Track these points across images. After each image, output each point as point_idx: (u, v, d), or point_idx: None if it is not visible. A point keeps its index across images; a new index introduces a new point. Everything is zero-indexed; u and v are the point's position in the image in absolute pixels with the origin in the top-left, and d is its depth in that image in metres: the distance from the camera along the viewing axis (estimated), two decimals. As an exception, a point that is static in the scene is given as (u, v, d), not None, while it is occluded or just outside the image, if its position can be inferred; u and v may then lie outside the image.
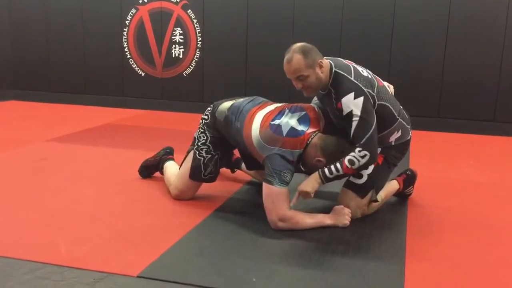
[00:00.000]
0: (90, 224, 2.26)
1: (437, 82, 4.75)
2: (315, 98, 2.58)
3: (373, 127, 2.21)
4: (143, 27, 5.50)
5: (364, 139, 2.18)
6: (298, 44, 2.26)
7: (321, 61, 2.25)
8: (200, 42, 5.37)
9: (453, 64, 4.69)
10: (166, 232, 2.18)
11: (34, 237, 2.10)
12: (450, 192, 2.88)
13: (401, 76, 4.76)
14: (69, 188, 2.76)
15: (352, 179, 2.41)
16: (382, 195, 2.48)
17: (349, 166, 2.18)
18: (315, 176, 2.22)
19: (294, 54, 2.22)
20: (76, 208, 2.45)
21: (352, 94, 2.20)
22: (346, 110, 2.20)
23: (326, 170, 2.20)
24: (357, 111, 2.18)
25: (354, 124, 2.19)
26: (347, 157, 2.18)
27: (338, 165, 2.19)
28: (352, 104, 2.19)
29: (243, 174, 3.00)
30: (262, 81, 5.17)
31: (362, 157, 2.17)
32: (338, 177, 2.23)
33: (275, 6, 5.05)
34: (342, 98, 2.21)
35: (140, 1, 5.45)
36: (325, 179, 2.21)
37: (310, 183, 2.22)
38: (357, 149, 2.18)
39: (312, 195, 2.22)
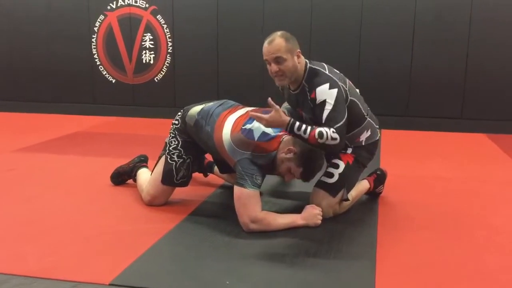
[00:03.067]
0: (59, 233, 2.22)
1: (405, 82, 4.86)
2: (286, 103, 2.61)
3: (344, 119, 2.22)
4: (112, 33, 5.45)
5: (337, 125, 2.17)
6: (281, 31, 2.32)
7: (299, 51, 2.31)
8: (170, 47, 5.35)
9: (420, 64, 4.80)
10: (139, 239, 2.16)
11: (1, 248, 2.05)
12: (419, 189, 2.94)
13: (370, 77, 4.86)
14: (38, 197, 2.70)
15: (323, 178, 2.44)
16: (353, 194, 2.52)
17: (316, 136, 2.12)
18: (285, 118, 2.14)
19: (276, 37, 2.27)
20: (45, 218, 2.40)
21: (327, 85, 2.24)
22: (319, 99, 2.23)
23: (297, 123, 2.14)
24: (330, 101, 2.21)
25: (327, 111, 2.20)
26: (319, 128, 2.14)
27: (308, 128, 2.14)
28: (326, 93, 2.22)
29: (216, 178, 3.00)
30: (234, 85, 5.18)
31: (333, 138, 2.14)
32: (299, 137, 2.16)
33: (244, 10, 5.07)
34: (316, 88, 2.25)
35: (108, 7, 5.40)
36: (290, 128, 2.14)
37: (274, 116, 2.13)
38: (332, 129, 2.15)
39: (264, 122, 2.15)
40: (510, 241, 2.18)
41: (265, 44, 2.29)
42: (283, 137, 2.27)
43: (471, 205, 2.66)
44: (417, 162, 3.60)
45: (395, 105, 4.91)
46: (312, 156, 2.23)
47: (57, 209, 2.53)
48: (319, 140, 2.13)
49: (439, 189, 2.94)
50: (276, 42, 2.25)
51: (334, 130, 2.15)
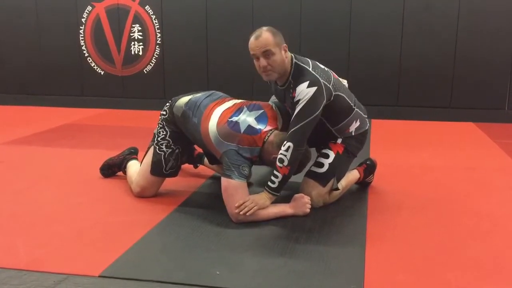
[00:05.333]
0: (49, 225, 2.21)
1: (394, 72, 4.87)
2: (273, 97, 2.61)
3: (309, 119, 2.20)
4: (100, 24, 5.39)
5: (294, 128, 2.19)
6: (266, 26, 2.31)
7: (285, 46, 2.31)
8: (159, 38, 5.31)
9: (409, 54, 4.81)
10: (129, 230, 2.16)
11: (-10, 242, 2.04)
12: (409, 178, 2.96)
13: (360, 68, 4.86)
14: (28, 190, 2.69)
15: (313, 168, 2.45)
16: (343, 183, 2.53)
17: (280, 165, 2.18)
18: (264, 194, 2.24)
19: (263, 32, 2.27)
20: (35, 210, 2.39)
21: (306, 83, 2.23)
22: (296, 99, 2.24)
23: (269, 183, 2.23)
24: (303, 102, 2.21)
25: (296, 111, 2.22)
26: (277, 158, 2.20)
27: (274, 171, 2.21)
28: (303, 93, 2.22)
29: (206, 169, 3.00)
30: (224, 75, 5.16)
31: (286, 150, 2.17)
32: (283, 182, 2.22)
33: (234, 0, 5.04)
34: (297, 86, 2.25)
35: (96, -2, 5.34)
36: (274, 191, 2.23)
37: (262, 200, 2.22)
38: (285, 145, 2.18)
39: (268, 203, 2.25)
40: (498, 228, 2.21)
41: (252, 39, 2.28)
42: (268, 134, 2.27)
43: (460, 193, 2.68)
44: (406, 152, 3.62)
45: (384, 95, 4.92)
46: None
47: (47, 202, 2.51)
48: (285, 164, 2.18)
49: (428, 178, 2.97)
50: (264, 36, 2.25)
51: (285, 141, 2.18)
